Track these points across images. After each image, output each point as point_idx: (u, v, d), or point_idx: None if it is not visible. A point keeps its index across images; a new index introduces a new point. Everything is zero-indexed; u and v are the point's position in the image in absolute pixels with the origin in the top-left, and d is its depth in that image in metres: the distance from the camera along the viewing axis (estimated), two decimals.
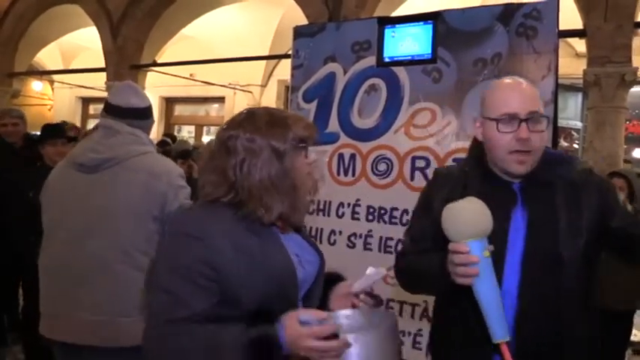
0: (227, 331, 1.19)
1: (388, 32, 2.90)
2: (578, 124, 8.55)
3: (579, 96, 8.40)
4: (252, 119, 1.32)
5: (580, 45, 6.65)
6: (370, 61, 2.93)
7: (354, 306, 1.37)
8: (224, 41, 9.62)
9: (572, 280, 1.41)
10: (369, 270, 1.37)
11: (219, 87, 10.34)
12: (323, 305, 1.39)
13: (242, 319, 1.21)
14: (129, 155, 2.05)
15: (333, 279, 1.45)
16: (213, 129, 11.81)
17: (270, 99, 10.58)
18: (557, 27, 2.55)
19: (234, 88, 10.66)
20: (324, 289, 1.42)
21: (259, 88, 10.63)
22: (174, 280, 1.22)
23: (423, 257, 1.48)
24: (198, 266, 1.21)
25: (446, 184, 1.57)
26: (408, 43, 2.86)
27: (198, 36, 9.79)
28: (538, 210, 1.45)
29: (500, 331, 1.24)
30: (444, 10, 2.80)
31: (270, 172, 1.27)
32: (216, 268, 1.22)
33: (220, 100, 11.30)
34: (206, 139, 10.69)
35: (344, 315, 1.28)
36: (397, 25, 2.89)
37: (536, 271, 1.41)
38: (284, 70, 9.54)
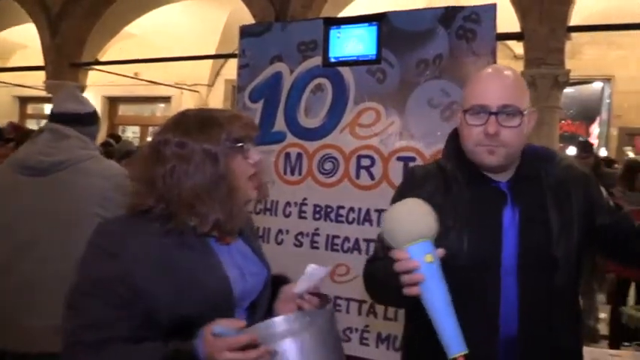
0: (140, 351, 1.11)
1: (334, 33, 2.93)
2: None
3: None
4: (183, 121, 1.24)
5: (518, 47, 6.92)
6: (316, 61, 2.95)
7: (300, 308, 1.28)
8: (170, 40, 9.44)
9: (564, 279, 1.37)
10: (309, 268, 1.28)
11: (165, 86, 10.14)
12: (269, 309, 1.33)
13: (168, 336, 1.14)
14: (80, 159, 2.02)
15: (279, 281, 1.38)
16: None
17: (217, 99, 10.46)
18: (495, 30, 2.64)
19: (180, 88, 10.48)
20: (271, 294, 1.35)
21: (206, 87, 10.50)
22: (87, 299, 1.13)
23: (384, 265, 1.31)
24: (114, 285, 1.12)
25: (425, 184, 1.46)
26: (353, 43, 2.90)
27: (142, 34, 9.57)
28: (528, 209, 1.39)
29: (455, 344, 1.13)
30: (388, 12, 2.85)
31: (204, 177, 1.19)
32: (135, 288, 1.12)
33: (166, 99, 11.09)
34: None
35: (284, 319, 1.17)
36: (342, 26, 2.92)
37: (531, 271, 1.36)
38: (231, 69, 9.40)
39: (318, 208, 2.86)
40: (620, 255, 1.49)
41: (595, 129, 9.10)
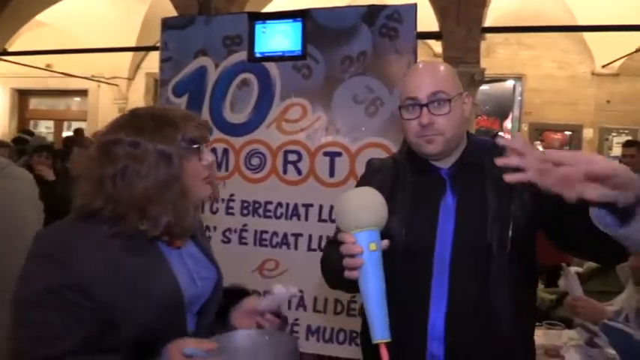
0: None
1: (259, 28, 2.92)
2: None
3: None
4: (135, 121, 1.19)
5: (438, 46, 7.18)
6: (241, 55, 2.94)
7: (258, 325, 1.28)
8: (86, 30, 9.01)
9: (500, 265, 1.36)
10: (277, 289, 1.28)
11: (81, 79, 9.68)
12: (225, 321, 1.31)
13: (122, 348, 1.10)
14: (2, 165, 1.99)
15: (238, 293, 1.36)
16: (75, 124, 11.04)
17: (138, 93, 10.12)
18: (416, 29, 2.74)
19: (98, 81, 10.04)
20: (227, 303, 1.33)
21: (126, 81, 10.12)
22: (40, 311, 1.06)
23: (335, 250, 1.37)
24: (68, 294, 1.06)
25: (376, 175, 1.51)
26: (278, 39, 2.90)
27: (55, 23, 9.08)
28: (467, 195, 1.42)
29: (380, 331, 1.18)
30: (312, 9, 2.88)
31: (157, 178, 1.14)
32: (91, 296, 1.08)
33: (82, 93, 10.59)
34: (68, 135, 9.95)
35: (245, 335, 1.16)
36: (267, 22, 2.92)
37: (464, 256, 1.37)
38: (152, 62, 9.16)
39: (245, 204, 2.85)
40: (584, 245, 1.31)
41: (508, 124, 9.62)
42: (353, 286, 1.25)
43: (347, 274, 1.21)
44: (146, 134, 1.16)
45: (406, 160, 1.52)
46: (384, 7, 2.77)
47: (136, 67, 10.09)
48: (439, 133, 1.40)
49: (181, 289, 1.19)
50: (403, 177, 1.48)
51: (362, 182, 1.57)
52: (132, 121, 1.20)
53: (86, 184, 1.17)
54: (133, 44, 8.57)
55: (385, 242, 1.23)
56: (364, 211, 1.22)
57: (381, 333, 1.18)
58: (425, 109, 1.39)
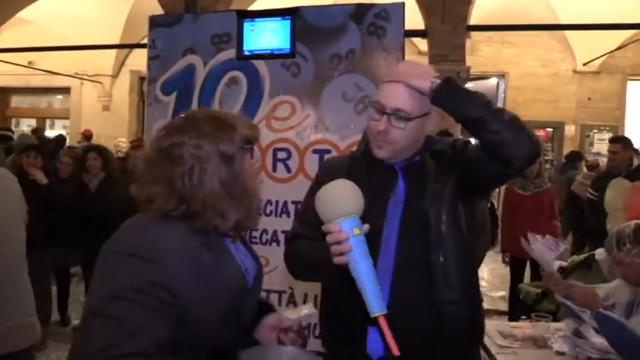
0: None
1: (247, 26, 2.93)
2: None
3: None
4: (195, 124, 1.23)
5: (423, 44, 7.23)
6: (230, 53, 2.94)
7: (280, 340, 1.34)
8: (69, 27, 8.90)
9: (437, 235, 1.49)
10: (305, 310, 1.36)
11: (64, 76, 9.58)
12: (251, 333, 1.36)
13: (195, 337, 1.16)
14: None
15: (265, 309, 1.42)
16: (58, 122, 10.94)
17: (122, 90, 10.04)
18: (404, 27, 2.77)
19: (81, 78, 9.94)
20: (254, 316, 1.38)
21: (110, 78, 10.03)
22: (122, 306, 1.08)
23: (310, 244, 1.47)
24: (155, 290, 1.10)
25: (333, 172, 1.58)
26: (267, 37, 2.91)
27: (38, 20, 8.97)
28: (414, 183, 1.54)
29: (375, 305, 1.27)
30: (301, 7, 2.90)
31: (222, 177, 1.20)
32: (174, 292, 1.12)
33: (65, 90, 10.48)
34: (51, 133, 9.84)
35: (275, 350, 1.22)
36: (256, 20, 2.93)
37: (410, 239, 1.49)
38: (137, 59, 9.10)
39: None
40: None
41: None
42: (327, 274, 1.36)
43: (336, 260, 1.30)
44: (208, 136, 1.20)
45: (362, 156, 1.63)
46: (372, 5, 2.80)
47: (120, 64, 10.01)
48: (390, 142, 1.50)
49: (247, 280, 1.28)
50: (357, 170, 1.58)
51: (318, 179, 1.64)
52: (191, 124, 1.23)
53: (155, 186, 1.19)
54: (116, 41, 8.51)
55: (366, 226, 1.32)
56: (344, 200, 1.32)
57: (377, 307, 1.27)
58: (385, 117, 1.49)
